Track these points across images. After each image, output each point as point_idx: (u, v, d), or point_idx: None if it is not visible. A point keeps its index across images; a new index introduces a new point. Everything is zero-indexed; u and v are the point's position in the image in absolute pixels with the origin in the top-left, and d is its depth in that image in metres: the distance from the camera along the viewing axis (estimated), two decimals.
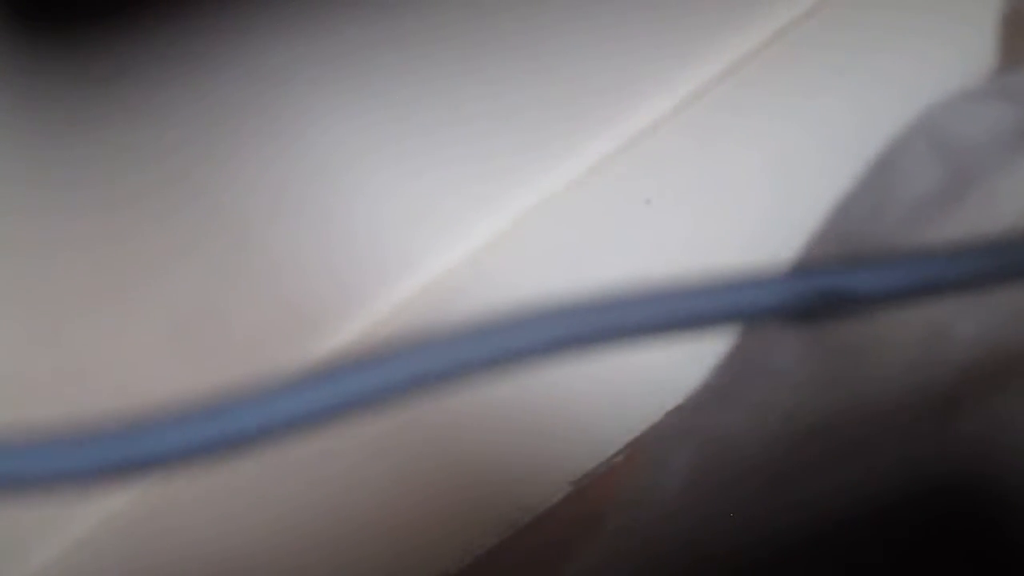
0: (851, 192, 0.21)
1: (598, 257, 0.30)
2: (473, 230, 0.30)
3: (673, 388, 0.24)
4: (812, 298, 0.14)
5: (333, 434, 0.28)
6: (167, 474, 0.14)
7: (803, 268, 0.15)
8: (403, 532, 0.29)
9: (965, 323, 0.19)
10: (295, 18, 0.30)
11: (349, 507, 0.29)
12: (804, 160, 0.29)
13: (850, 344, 0.20)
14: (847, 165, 0.21)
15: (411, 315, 0.29)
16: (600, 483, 0.29)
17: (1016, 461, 0.18)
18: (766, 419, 0.20)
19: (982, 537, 0.18)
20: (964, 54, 0.28)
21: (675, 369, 0.24)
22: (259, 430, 0.14)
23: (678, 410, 0.23)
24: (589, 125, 0.30)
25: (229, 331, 0.30)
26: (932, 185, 0.20)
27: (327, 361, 0.14)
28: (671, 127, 0.30)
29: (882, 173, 0.21)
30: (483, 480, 0.29)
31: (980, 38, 0.26)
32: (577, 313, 0.14)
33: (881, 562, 0.18)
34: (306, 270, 0.30)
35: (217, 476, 0.28)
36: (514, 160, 0.30)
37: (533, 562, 0.29)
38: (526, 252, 0.30)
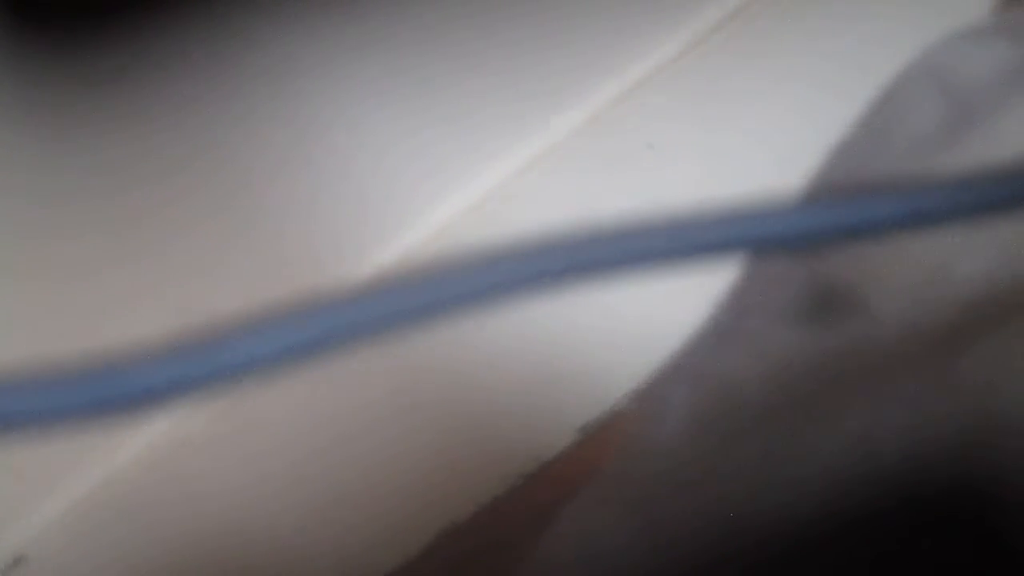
0: (853, 131, 0.21)
1: (601, 202, 0.30)
2: (476, 178, 0.30)
3: (680, 333, 0.24)
4: (815, 227, 0.15)
5: (340, 382, 0.28)
6: (181, 406, 0.14)
7: (807, 199, 0.15)
8: (410, 481, 0.29)
9: (968, 260, 0.19)
10: None
11: (356, 458, 0.29)
12: (806, 101, 0.29)
13: (852, 281, 0.20)
14: (849, 105, 0.21)
15: (415, 264, 0.29)
16: (607, 429, 0.29)
17: (1016, 409, 0.18)
18: (767, 360, 0.20)
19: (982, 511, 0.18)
20: None
21: (682, 314, 0.24)
22: (258, 361, 0.14)
23: (678, 351, 0.23)
24: (590, 71, 0.30)
25: (240, 285, 0.30)
26: (934, 123, 0.20)
27: (331, 292, 0.14)
28: (672, 71, 0.30)
29: (884, 111, 0.21)
30: (490, 428, 0.29)
31: None
32: (585, 242, 0.14)
33: (885, 511, 0.18)
34: (314, 222, 0.30)
35: (231, 421, 0.28)
36: (516, 107, 0.30)
37: (541, 509, 0.29)
38: (530, 198, 0.30)
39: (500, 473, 0.29)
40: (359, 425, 0.29)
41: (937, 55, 0.21)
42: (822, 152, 0.21)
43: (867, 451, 0.19)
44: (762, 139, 0.29)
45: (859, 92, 0.21)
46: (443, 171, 0.30)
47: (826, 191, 0.21)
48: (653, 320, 0.28)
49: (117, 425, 0.14)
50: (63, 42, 0.30)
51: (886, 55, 0.22)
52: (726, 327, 0.21)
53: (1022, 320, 0.19)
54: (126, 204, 0.30)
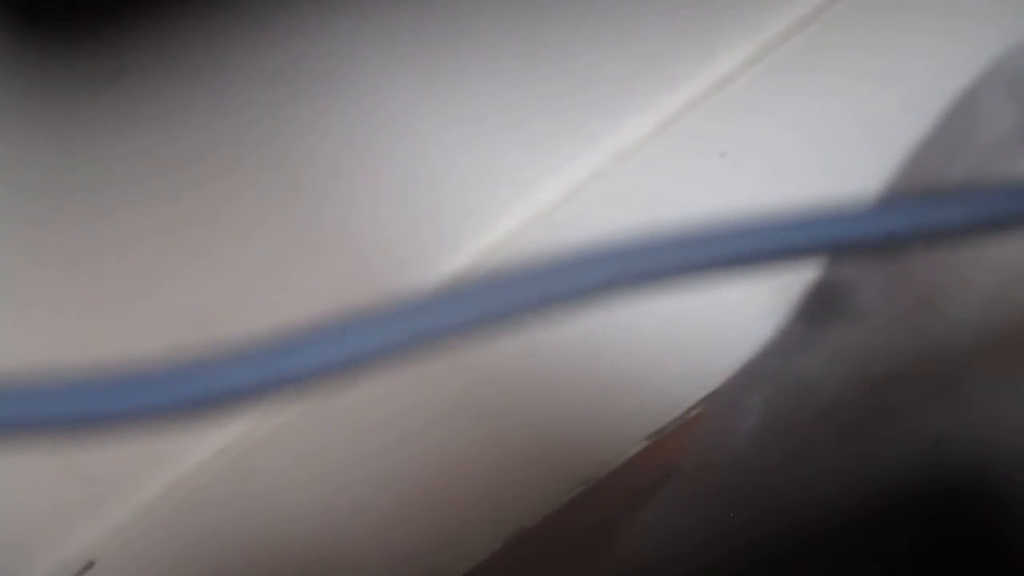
0: (928, 137, 0.21)
1: (672, 211, 0.30)
2: (546, 184, 0.30)
3: (750, 341, 0.24)
4: (892, 230, 0.14)
5: (410, 388, 0.28)
6: (257, 408, 0.14)
7: (886, 202, 0.15)
8: (480, 486, 0.29)
9: None
10: None
11: (426, 463, 0.29)
12: (881, 107, 0.29)
13: (928, 286, 0.20)
14: (924, 110, 0.21)
15: (485, 271, 0.29)
16: (676, 437, 0.29)
17: None
18: (843, 363, 0.20)
19: None
20: None
21: (753, 322, 0.24)
22: (333, 364, 0.14)
23: (754, 355, 0.23)
24: (663, 78, 0.30)
25: (308, 291, 0.30)
26: (1009, 127, 0.20)
27: (405, 297, 0.14)
28: (746, 78, 0.30)
29: (959, 116, 0.21)
30: (558, 435, 0.29)
31: None
32: (662, 245, 0.14)
33: (953, 512, 0.18)
34: (384, 228, 0.30)
35: (303, 424, 0.29)
36: (587, 114, 0.30)
37: (608, 517, 0.29)
38: (601, 206, 0.30)
39: (568, 479, 0.29)
40: (429, 430, 0.29)
41: (1012, 59, 0.21)
42: (897, 160, 0.21)
43: (938, 453, 0.19)
44: (837, 147, 0.29)
45: (933, 98, 0.21)
46: (513, 177, 0.30)
47: (902, 195, 0.21)
48: (725, 328, 0.27)
49: (195, 426, 0.14)
50: (90, 35, 0.30)
51: (960, 61, 0.21)
52: (802, 331, 0.21)
53: None
54: (187, 208, 0.30)
